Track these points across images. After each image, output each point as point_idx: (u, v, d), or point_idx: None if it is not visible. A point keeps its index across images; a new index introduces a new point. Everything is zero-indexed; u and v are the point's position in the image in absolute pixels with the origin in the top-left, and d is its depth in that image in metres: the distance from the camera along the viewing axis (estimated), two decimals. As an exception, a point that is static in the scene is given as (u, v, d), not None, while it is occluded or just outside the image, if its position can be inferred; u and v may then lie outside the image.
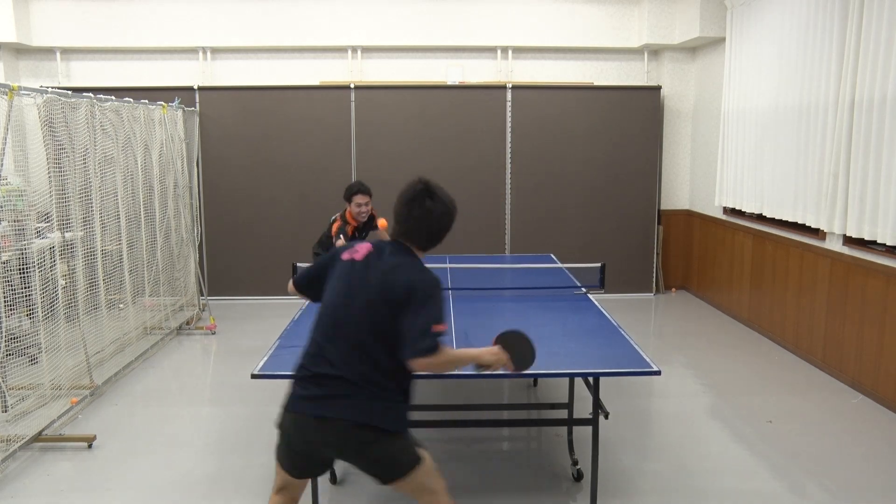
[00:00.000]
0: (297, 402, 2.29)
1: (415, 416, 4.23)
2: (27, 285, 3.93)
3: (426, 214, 2.34)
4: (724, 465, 3.70)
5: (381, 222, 5.07)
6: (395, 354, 2.26)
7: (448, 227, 2.40)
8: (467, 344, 3.10)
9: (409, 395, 2.38)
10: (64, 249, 4.35)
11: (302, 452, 2.35)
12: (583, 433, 3.66)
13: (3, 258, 3.91)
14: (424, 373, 2.28)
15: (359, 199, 4.93)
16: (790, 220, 5.54)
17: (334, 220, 4.94)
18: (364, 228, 5.08)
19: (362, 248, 2.38)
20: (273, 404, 4.44)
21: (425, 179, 2.38)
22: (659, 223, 7.62)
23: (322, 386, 2.25)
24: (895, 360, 4.39)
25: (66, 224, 4.29)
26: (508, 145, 7.33)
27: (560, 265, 4.69)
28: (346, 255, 2.40)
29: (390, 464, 2.30)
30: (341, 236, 4.77)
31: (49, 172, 4.11)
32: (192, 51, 7.50)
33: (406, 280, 2.26)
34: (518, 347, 2.46)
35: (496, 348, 2.42)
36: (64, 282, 4.35)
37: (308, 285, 2.52)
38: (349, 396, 2.23)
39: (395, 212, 2.38)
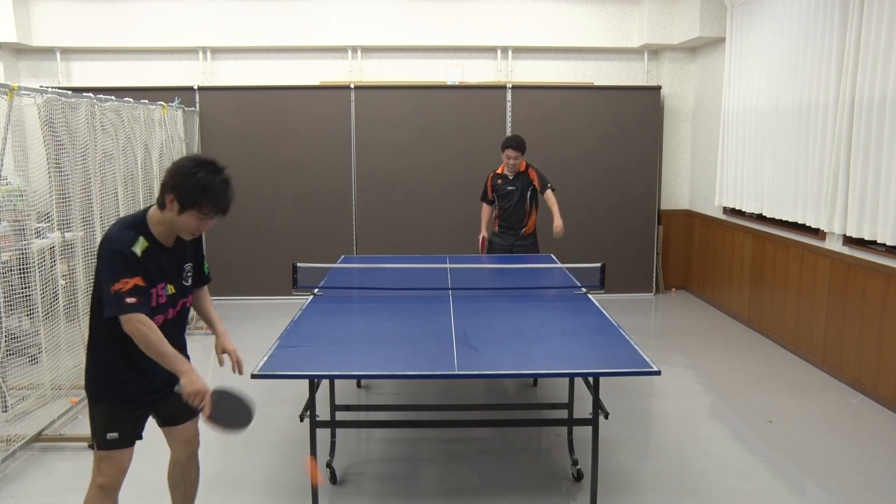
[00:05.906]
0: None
1: (415, 415, 4.27)
2: (27, 285, 3.93)
3: None
4: (724, 465, 3.70)
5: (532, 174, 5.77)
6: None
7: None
8: (467, 343, 3.08)
9: (100, 360, 2.42)
10: (64, 249, 4.34)
11: None
12: (583, 433, 3.66)
13: (3, 258, 3.91)
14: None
15: (507, 153, 5.55)
16: (790, 220, 5.54)
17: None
18: (517, 181, 5.73)
19: None
20: (273, 404, 4.48)
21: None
22: (659, 223, 7.62)
23: None
24: (895, 360, 4.39)
25: (66, 224, 4.28)
26: (508, 145, 7.32)
27: (560, 265, 4.69)
28: None
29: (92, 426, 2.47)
30: (486, 184, 5.78)
31: (49, 172, 4.10)
32: (192, 51, 7.50)
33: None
34: (230, 405, 2.45)
35: (203, 385, 2.35)
36: (64, 282, 4.34)
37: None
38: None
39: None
